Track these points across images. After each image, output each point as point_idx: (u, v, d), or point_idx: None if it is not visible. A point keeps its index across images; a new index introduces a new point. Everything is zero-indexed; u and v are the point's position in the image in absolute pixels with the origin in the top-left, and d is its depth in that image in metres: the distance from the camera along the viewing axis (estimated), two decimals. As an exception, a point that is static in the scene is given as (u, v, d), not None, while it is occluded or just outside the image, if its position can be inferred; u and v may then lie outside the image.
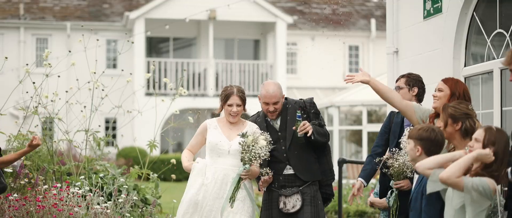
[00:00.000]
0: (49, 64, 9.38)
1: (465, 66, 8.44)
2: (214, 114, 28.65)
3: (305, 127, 7.01)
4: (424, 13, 9.22)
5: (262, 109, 7.33)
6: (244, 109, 7.27)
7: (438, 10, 8.84)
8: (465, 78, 8.38)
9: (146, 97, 25.81)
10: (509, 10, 7.62)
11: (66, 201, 7.77)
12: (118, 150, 14.38)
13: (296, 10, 31.56)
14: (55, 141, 9.43)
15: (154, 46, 30.62)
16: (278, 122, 7.34)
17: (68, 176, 9.12)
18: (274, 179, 7.26)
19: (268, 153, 6.92)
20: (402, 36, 9.92)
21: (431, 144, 5.67)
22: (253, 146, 6.82)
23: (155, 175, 9.49)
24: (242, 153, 6.89)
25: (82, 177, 8.62)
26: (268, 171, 7.09)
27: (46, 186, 7.95)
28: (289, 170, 7.28)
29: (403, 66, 9.73)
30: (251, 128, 7.22)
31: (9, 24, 29.08)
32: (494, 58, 7.93)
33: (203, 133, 7.30)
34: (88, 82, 9.40)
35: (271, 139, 7.01)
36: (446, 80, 6.61)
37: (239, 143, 6.90)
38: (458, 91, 6.46)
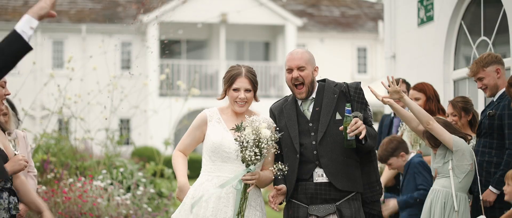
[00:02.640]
0: (72, 68, 10.17)
1: (454, 69, 9.18)
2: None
3: (357, 126, 5.23)
4: (418, 21, 9.96)
5: (287, 82, 5.59)
6: (255, 97, 5.56)
7: (430, 18, 9.59)
8: (454, 81, 9.13)
9: (160, 98, 26.63)
10: (492, 19, 8.34)
11: (89, 193, 8.56)
12: (135, 147, 15.16)
13: (305, 13, 32.25)
14: (76, 139, 10.21)
15: (167, 48, 31.39)
16: (310, 108, 5.54)
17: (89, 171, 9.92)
18: (299, 188, 5.46)
19: (274, 144, 5.26)
20: (399, 42, 10.66)
21: None
22: (254, 139, 5.15)
23: (171, 169, 10.26)
24: (241, 150, 5.17)
25: (104, 171, 9.39)
26: (281, 166, 5.27)
27: (71, 180, 8.74)
28: (321, 177, 5.43)
29: (400, 70, 10.48)
30: (264, 120, 5.47)
31: (26, 27, 29.84)
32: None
33: (201, 127, 5.55)
34: (108, 85, 10.16)
35: (276, 125, 5.45)
36: (417, 88, 7.43)
37: (235, 140, 5.21)
38: (431, 93, 7.26)
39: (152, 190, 9.32)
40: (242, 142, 5.16)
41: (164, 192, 9.97)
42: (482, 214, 6.12)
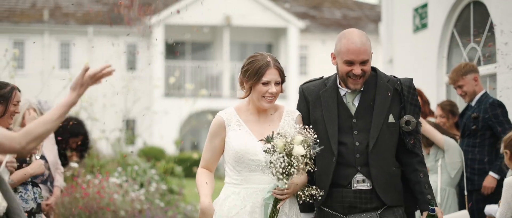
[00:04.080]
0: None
1: (447, 73, 9.78)
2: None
3: None
4: (413, 27, 10.57)
5: (340, 72, 4.66)
6: (282, 90, 4.76)
7: (425, 25, 10.19)
8: (446, 85, 9.73)
9: (165, 98, 27.23)
10: (481, 28, 8.93)
11: (106, 189, 9.19)
12: (146, 146, 15.81)
13: (307, 15, 32.82)
14: (93, 139, 10.83)
15: (172, 50, 31.94)
16: (356, 101, 4.69)
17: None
18: (334, 194, 4.70)
19: (311, 159, 4.45)
20: (396, 47, 11.27)
21: None
22: (287, 154, 4.39)
23: (181, 167, 10.92)
24: (271, 165, 4.40)
25: (120, 169, 10.02)
26: (314, 191, 4.57)
27: (89, 177, 9.37)
28: (361, 184, 4.66)
29: (397, 74, 11.01)
30: (289, 118, 4.77)
31: (34, 28, 30.45)
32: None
33: (219, 134, 4.77)
34: (123, 87, 10.79)
35: (316, 137, 4.48)
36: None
37: (264, 151, 4.46)
38: (425, 98, 7.92)
39: (163, 187, 9.94)
40: (271, 154, 4.40)
41: (175, 189, 10.59)
42: (465, 209, 6.76)
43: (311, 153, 4.41)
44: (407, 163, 4.72)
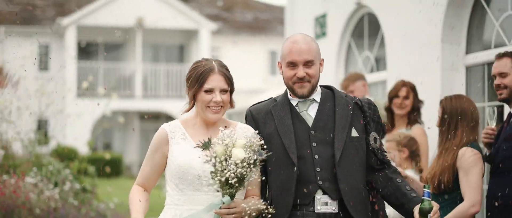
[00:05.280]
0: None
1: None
2: (144, 116, 30.49)
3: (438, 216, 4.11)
4: (315, 35, 11.28)
5: (285, 78, 4.30)
6: (231, 102, 4.25)
7: (324, 34, 10.92)
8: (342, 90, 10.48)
9: (77, 99, 27.41)
10: (374, 38, 9.69)
11: (22, 189, 9.59)
12: (59, 146, 16.14)
13: (219, 17, 33.41)
14: (8, 140, 11.19)
15: (85, 50, 32.07)
16: (311, 111, 4.33)
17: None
18: (294, 217, 4.21)
19: (257, 165, 4.02)
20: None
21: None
22: (225, 160, 3.94)
23: (93, 167, 11.39)
24: (212, 175, 3.96)
25: (35, 169, 10.41)
26: (264, 206, 4.11)
27: (6, 176, 9.75)
28: (325, 206, 4.22)
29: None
30: (243, 132, 4.21)
31: None
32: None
33: (161, 148, 4.25)
34: (36, 91, 11.15)
35: (262, 141, 4.08)
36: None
37: (206, 162, 3.99)
38: None
39: (77, 186, 10.41)
40: (214, 165, 3.94)
41: (88, 188, 11.06)
42: None
43: (258, 158, 3.96)
44: (380, 177, 4.31)
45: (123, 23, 29.15)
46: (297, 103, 4.34)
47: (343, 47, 10.49)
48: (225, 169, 3.90)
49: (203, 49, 30.37)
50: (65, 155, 25.86)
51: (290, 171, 4.19)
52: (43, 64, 29.54)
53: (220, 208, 4.01)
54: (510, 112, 5.55)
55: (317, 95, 4.35)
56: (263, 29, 33.44)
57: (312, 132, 4.27)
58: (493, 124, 5.64)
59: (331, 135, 4.25)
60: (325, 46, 10.89)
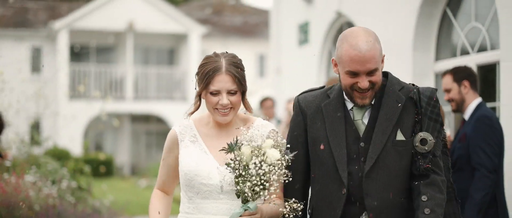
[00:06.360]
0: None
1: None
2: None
3: None
4: (298, 41, 11.89)
5: (344, 85, 3.67)
6: (244, 100, 3.86)
7: (307, 40, 11.53)
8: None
9: (70, 101, 27.89)
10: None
11: (22, 187, 10.18)
12: (55, 147, 16.73)
13: (209, 21, 33.88)
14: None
15: (77, 53, 32.47)
16: (366, 119, 3.72)
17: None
18: None
19: (285, 170, 3.62)
20: (284, 58, 12.58)
21: None
22: (257, 164, 3.57)
23: (88, 166, 11.99)
24: (237, 181, 3.61)
25: (35, 168, 10.98)
26: (296, 204, 3.68)
27: (7, 175, 10.32)
28: None
29: (285, 82, 12.41)
30: (257, 132, 3.76)
31: None
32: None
33: (173, 150, 3.97)
34: (32, 95, 11.73)
35: (286, 143, 3.74)
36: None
37: (227, 165, 3.63)
38: None
39: (74, 184, 11.01)
40: (238, 169, 3.58)
41: (83, 186, 11.66)
42: None
43: (287, 158, 3.62)
44: (414, 186, 3.68)
45: (114, 27, 29.63)
46: (352, 108, 3.73)
47: (324, 53, 11.10)
48: (255, 173, 3.54)
49: (193, 52, 30.79)
50: (57, 156, 26.49)
51: (338, 189, 3.66)
52: (36, 67, 29.89)
53: (241, 215, 3.63)
54: (463, 118, 6.24)
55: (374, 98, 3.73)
56: (251, 33, 33.95)
57: (362, 144, 3.67)
58: (447, 131, 6.31)
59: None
60: (307, 52, 11.51)
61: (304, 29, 11.60)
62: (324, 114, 3.72)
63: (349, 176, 3.62)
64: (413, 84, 3.76)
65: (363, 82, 3.56)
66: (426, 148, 3.61)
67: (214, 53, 3.85)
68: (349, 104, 3.71)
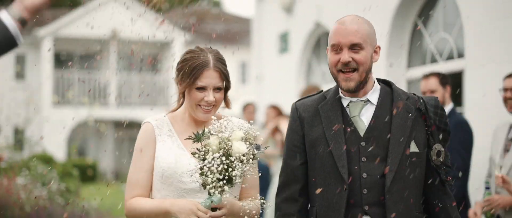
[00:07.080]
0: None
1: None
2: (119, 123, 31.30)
3: None
4: (279, 49, 12.34)
5: (330, 65, 3.60)
6: (226, 99, 3.76)
7: (287, 49, 11.99)
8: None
9: (53, 107, 28.19)
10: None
11: (14, 189, 10.60)
12: (44, 152, 17.15)
13: (192, 28, 34.24)
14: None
15: (61, 60, 32.71)
16: (364, 115, 3.57)
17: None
18: None
19: (254, 161, 3.55)
20: (265, 65, 13.03)
21: None
22: (223, 154, 3.43)
23: (75, 170, 12.43)
24: (201, 172, 3.43)
25: (25, 171, 11.41)
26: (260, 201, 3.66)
27: (-2, 178, 10.75)
28: None
29: (266, 88, 12.85)
30: (234, 122, 3.66)
31: None
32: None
33: (150, 144, 3.72)
34: (27, 103, 12.14)
35: (257, 133, 3.57)
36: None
37: (194, 154, 3.48)
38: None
39: (63, 187, 11.45)
40: (204, 159, 3.42)
41: (72, 189, 12.10)
42: None
43: (257, 152, 3.49)
44: (430, 198, 3.60)
45: (98, 34, 29.94)
46: (349, 104, 3.58)
47: (303, 62, 11.56)
48: (221, 163, 3.39)
49: (176, 59, 31.05)
50: (42, 160, 26.87)
51: (339, 188, 3.48)
52: (20, 75, 30.09)
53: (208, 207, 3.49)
54: None
55: (373, 95, 3.59)
56: (234, 41, 34.34)
57: (362, 143, 3.50)
58: None
59: (385, 151, 3.49)
60: (287, 60, 11.98)
61: (284, 38, 12.03)
62: (321, 115, 3.56)
63: (349, 174, 3.46)
64: (414, 94, 3.64)
65: (344, 56, 3.44)
66: (441, 159, 3.52)
67: (197, 47, 3.76)
68: (345, 101, 3.56)
